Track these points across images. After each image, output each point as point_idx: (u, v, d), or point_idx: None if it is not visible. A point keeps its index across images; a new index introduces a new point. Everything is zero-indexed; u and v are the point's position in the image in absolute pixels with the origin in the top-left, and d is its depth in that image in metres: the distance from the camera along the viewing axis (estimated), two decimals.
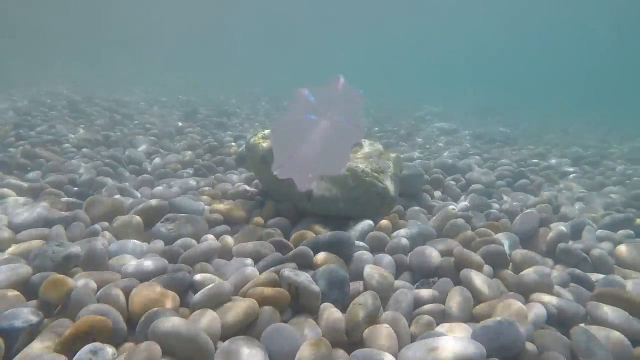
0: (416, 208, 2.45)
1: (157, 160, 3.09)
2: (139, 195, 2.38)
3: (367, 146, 2.38)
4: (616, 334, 1.36)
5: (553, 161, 4.26)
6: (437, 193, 2.92)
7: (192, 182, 2.68)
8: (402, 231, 2.00)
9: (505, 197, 2.86)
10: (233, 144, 3.65)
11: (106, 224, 1.95)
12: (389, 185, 2.16)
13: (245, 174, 2.99)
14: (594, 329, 1.38)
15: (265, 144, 2.29)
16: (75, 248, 1.52)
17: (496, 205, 2.62)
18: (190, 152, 3.38)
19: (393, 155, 2.36)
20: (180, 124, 4.31)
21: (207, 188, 2.61)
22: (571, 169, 3.88)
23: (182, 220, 1.98)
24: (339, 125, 1.89)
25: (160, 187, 2.49)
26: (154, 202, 2.04)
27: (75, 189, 2.51)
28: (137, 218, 1.92)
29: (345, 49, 31.46)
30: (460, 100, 10.52)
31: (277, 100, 8.10)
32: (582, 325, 1.41)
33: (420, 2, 21.55)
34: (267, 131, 2.43)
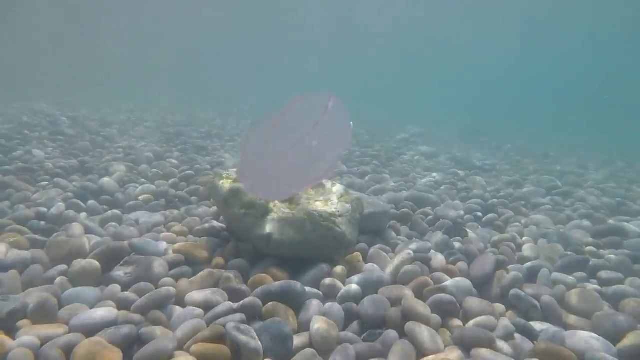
0: (378, 248, 2.49)
1: (130, 190, 3.12)
2: (103, 233, 2.41)
3: (327, 188, 2.43)
4: None
5: (525, 189, 4.33)
6: (405, 228, 2.97)
7: (160, 217, 2.72)
8: (355, 277, 2.04)
9: (470, 234, 2.91)
10: (210, 173, 3.69)
11: (65, 267, 1.97)
12: (347, 229, 2.20)
13: (215, 208, 3.03)
14: None
15: (227, 185, 2.33)
16: (19, 303, 1.54)
17: (458, 245, 2.67)
18: (164, 182, 3.42)
19: (353, 197, 2.41)
20: (160, 148, 4.35)
21: (174, 224, 2.64)
22: (543, 200, 3.95)
23: (140, 263, 2.01)
24: (317, 147, 1.92)
25: (125, 225, 2.52)
26: (113, 244, 2.07)
27: (42, 223, 2.54)
28: (95, 263, 1.94)
29: (330, 66, 31.78)
30: (445, 121, 10.65)
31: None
32: None
33: (407, 19, 21.87)
34: (231, 171, 2.48)
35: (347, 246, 2.21)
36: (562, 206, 3.84)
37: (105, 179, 3.19)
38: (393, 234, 2.80)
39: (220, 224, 2.68)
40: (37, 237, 2.32)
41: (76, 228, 2.35)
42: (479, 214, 3.34)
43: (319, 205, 2.24)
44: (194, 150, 4.71)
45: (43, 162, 3.53)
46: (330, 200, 2.30)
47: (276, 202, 2.25)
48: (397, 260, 2.21)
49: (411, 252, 2.26)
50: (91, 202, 2.86)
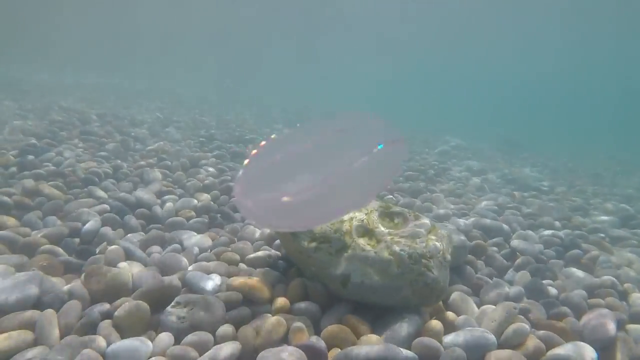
0: (463, 291, 2.12)
1: (169, 204, 2.79)
2: (147, 260, 2.07)
3: (412, 221, 2.06)
4: None
5: (597, 218, 3.91)
6: (480, 263, 2.59)
7: (206, 239, 2.37)
8: (454, 336, 1.67)
9: (559, 275, 2.51)
10: None
11: (107, 306, 1.64)
12: (439, 274, 1.83)
13: (264, 229, 2.68)
14: None
15: None
16: None
17: (553, 290, 2.27)
18: (205, 194, 3.09)
19: (442, 232, 2.04)
20: (195, 154, 4.03)
21: (223, 249, 2.30)
22: (622, 232, 3.51)
23: (195, 305, 1.67)
24: (355, 178, 1.54)
25: (170, 251, 2.18)
26: (163, 281, 1.73)
27: (77, 240, 2.23)
28: (144, 306, 1.61)
29: (365, 73, 31.42)
30: (482, 131, 10.19)
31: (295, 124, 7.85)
32: None
33: (441, 27, 21.37)
34: None
35: (439, 294, 1.84)
36: None
37: (143, 191, 2.87)
38: (471, 270, 2.41)
39: (276, 252, 2.33)
40: (72, 259, 2.02)
41: (115, 252, 2.03)
42: (560, 248, 2.93)
43: (405, 243, 1.87)
44: (229, 157, 4.39)
45: (75, 166, 3.23)
46: (417, 236, 1.93)
47: (355, 236, 1.89)
48: (499, 314, 1.83)
49: (516, 306, 1.87)
50: (128, 217, 2.54)
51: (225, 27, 24.11)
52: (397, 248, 1.83)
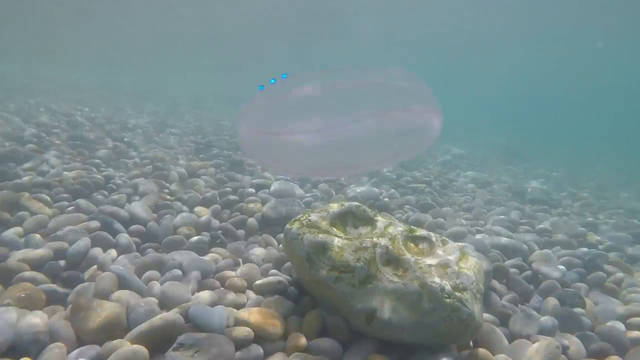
0: (489, 321, 1.94)
1: (166, 220, 2.56)
2: (144, 288, 1.84)
3: (439, 246, 1.87)
4: None
5: (609, 234, 3.77)
6: (502, 287, 2.41)
7: (209, 263, 2.15)
8: None
9: (588, 302, 2.34)
10: (256, 197, 3.13)
11: (96, 349, 1.42)
12: (475, 308, 1.64)
13: (271, 248, 2.48)
14: None
15: (311, 236, 1.77)
16: None
17: (586, 321, 2.10)
18: (205, 209, 2.86)
19: (473, 260, 1.85)
20: (192, 163, 3.80)
21: (229, 274, 2.08)
22: (638, 251, 3.37)
23: (201, 346, 1.45)
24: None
25: (170, 279, 1.94)
26: (163, 319, 1.51)
27: (62, 263, 2.00)
28: (142, 351, 1.38)
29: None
30: (481, 139, 10.09)
31: None
32: None
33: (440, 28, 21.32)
34: (316, 214, 1.92)
35: (474, 330, 1.64)
36: None
37: (137, 205, 2.64)
38: (496, 297, 2.23)
39: (286, 276, 2.12)
40: (57, 288, 1.78)
41: (107, 280, 1.79)
42: (581, 270, 2.77)
43: (435, 273, 1.68)
44: (229, 166, 4.16)
45: (62, 175, 2.98)
46: (447, 265, 1.74)
47: (379, 264, 1.69)
48: (541, 355, 1.64)
49: (559, 344, 1.69)
50: (121, 235, 2.30)
51: (221, 28, 23.83)
52: (428, 279, 1.63)
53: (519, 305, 2.27)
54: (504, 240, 2.97)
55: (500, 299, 2.26)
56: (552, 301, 2.26)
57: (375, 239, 1.78)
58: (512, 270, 2.61)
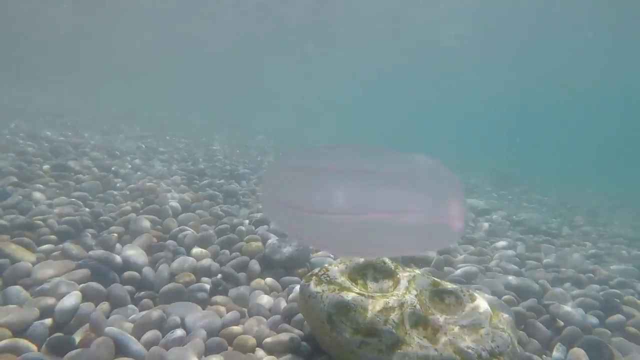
0: None
1: (163, 266, 2.36)
2: (143, 353, 1.64)
3: (467, 302, 1.73)
4: None
5: (614, 267, 3.69)
6: (523, 335, 2.28)
7: (213, 316, 1.96)
8: None
9: (615, 352, 2.22)
10: (255, 235, 2.96)
11: None
12: None
13: (278, 296, 2.30)
14: None
15: (332, 295, 1.61)
16: None
17: None
18: (203, 250, 2.67)
19: (505, 317, 1.71)
20: (186, 196, 3.60)
21: (235, 329, 1.90)
22: None
23: None
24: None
25: (172, 337, 1.75)
26: None
27: (49, 322, 1.78)
28: None
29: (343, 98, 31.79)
30: (471, 163, 10.12)
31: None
32: None
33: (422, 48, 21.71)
34: (335, 267, 1.76)
35: None
36: None
37: (131, 248, 2.44)
38: (521, 350, 2.09)
39: (298, 331, 1.95)
40: (42, 357, 1.57)
41: (104, 347, 1.59)
42: (599, 312, 2.66)
43: (468, 336, 1.53)
44: (222, 197, 3.97)
45: (45, 214, 2.76)
46: (480, 325, 1.60)
47: (407, 327, 1.54)
48: None
49: None
50: (115, 286, 2.10)
51: (210, 51, 23.87)
52: (462, 345, 1.48)
53: (543, 356, 2.14)
54: (514, 280, 2.86)
55: (524, 349, 2.13)
56: (579, 353, 2.13)
57: (401, 297, 1.63)
58: (529, 313, 2.49)
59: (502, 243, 3.93)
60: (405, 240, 1.36)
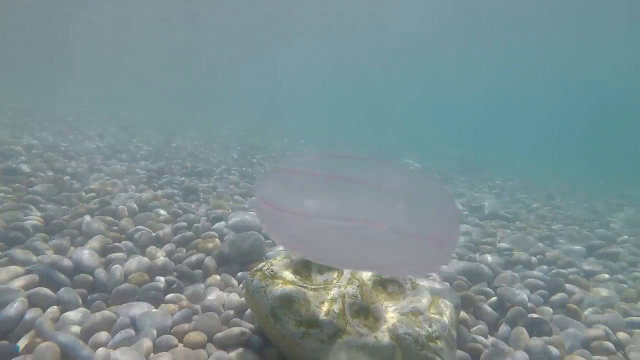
0: (462, 358, 1.89)
1: (115, 267, 2.34)
2: (90, 356, 1.64)
3: (410, 290, 1.80)
4: None
5: (569, 248, 3.88)
6: (471, 318, 2.39)
7: (164, 315, 1.97)
8: None
9: (554, 330, 2.36)
10: (213, 232, 2.96)
11: None
12: (450, 356, 1.58)
13: (232, 291, 2.32)
14: None
15: (274, 289, 1.65)
16: None
17: (555, 351, 2.10)
18: (157, 249, 2.66)
19: (445, 302, 1.79)
20: (143, 195, 3.55)
21: (186, 326, 1.91)
22: (592, 267, 3.47)
23: None
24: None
25: (122, 344, 1.75)
26: None
27: None
28: None
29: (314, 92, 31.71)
30: (436, 151, 10.34)
31: (252, 151, 7.48)
32: None
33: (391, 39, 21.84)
34: (279, 261, 1.80)
35: None
36: (616, 273, 3.41)
37: (82, 251, 2.40)
38: (466, 331, 2.20)
39: (249, 325, 1.98)
40: None
41: (49, 353, 1.58)
42: (544, 292, 2.81)
43: (407, 323, 1.60)
44: (182, 194, 3.95)
45: None
46: (419, 312, 1.67)
47: (348, 316, 1.60)
48: None
49: None
50: (64, 290, 2.07)
51: (173, 48, 23.32)
52: (400, 331, 1.55)
53: (489, 337, 2.25)
54: (468, 264, 2.98)
55: (469, 331, 2.23)
56: (520, 331, 2.26)
57: (343, 288, 1.69)
58: (478, 297, 2.60)
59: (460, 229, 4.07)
60: (389, 257, 1.32)
